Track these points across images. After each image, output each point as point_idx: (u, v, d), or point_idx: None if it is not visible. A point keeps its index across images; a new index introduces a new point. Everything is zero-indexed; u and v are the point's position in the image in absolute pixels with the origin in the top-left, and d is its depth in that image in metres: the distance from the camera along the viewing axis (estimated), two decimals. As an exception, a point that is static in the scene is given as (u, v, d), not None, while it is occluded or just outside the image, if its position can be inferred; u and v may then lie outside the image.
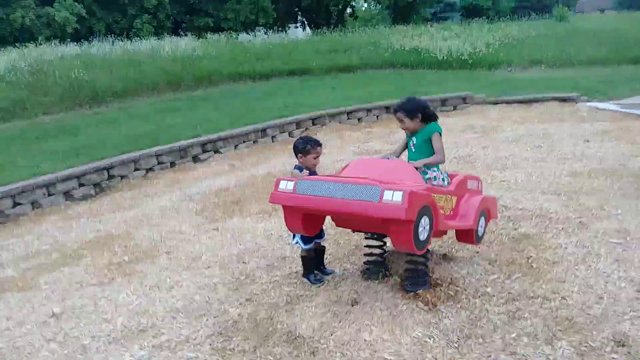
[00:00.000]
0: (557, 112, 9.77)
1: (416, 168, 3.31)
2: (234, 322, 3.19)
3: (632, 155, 6.22)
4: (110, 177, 7.08)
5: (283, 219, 3.24)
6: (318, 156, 3.54)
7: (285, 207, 3.14)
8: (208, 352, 2.89)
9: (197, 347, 2.95)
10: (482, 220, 3.59)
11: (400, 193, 2.55)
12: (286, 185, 2.98)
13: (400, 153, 3.82)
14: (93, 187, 6.83)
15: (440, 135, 3.59)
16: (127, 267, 4.25)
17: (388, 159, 3.49)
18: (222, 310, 3.35)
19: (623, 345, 2.57)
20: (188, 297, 3.58)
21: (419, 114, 3.57)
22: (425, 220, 2.76)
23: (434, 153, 3.55)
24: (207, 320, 3.24)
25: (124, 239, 4.92)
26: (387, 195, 2.58)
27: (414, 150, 3.65)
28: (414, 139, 3.65)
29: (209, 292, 3.63)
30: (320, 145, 3.56)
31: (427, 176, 3.41)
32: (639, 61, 15.85)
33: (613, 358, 2.49)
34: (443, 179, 3.50)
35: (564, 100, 10.50)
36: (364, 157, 3.45)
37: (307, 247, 3.54)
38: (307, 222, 3.13)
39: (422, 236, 2.77)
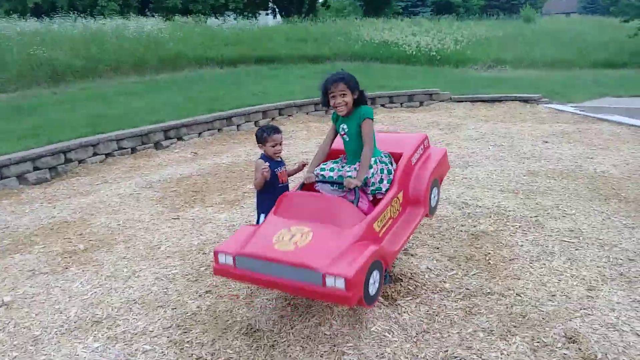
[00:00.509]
0: (519, 112, 10.01)
1: (355, 186, 3.04)
2: (192, 314, 3.15)
3: (588, 157, 6.43)
4: (68, 160, 6.84)
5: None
6: (276, 144, 3.43)
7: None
8: (165, 345, 2.84)
9: (154, 339, 2.90)
10: (435, 191, 3.57)
11: (342, 281, 2.44)
12: (225, 259, 2.80)
13: (327, 150, 3.44)
14: (49, 170, 6.58)
15: (372, 121, 3.20)
16: (83, 255, 4.12)
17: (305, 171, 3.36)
18: (180, 302, 3.29)
19: (574, 342, 2.66)
20: (145, 288, 3.50)
21: (358, 90, 3.19)
22: (374, 276, 2.68)
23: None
24: (164, 312, 3.18)
25: (79, 226, 4.77)
26: (330, 281, 2.47)
27: (347, 139, 3.26)
28: (344, 126, 3.24)
29: (167, 283, 3.56)
30: (277, 132, 3.45)
31: (372, 188, 3.18)
32: (599, 65, 16.41)
33: (564, 354, 2.57)
34: (382, 170, 3.22)
35: (525, 101, 10.77)
36: (293, 192, 3.24)
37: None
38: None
39: (373, 291, 2.69)
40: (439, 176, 3.71)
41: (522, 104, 10.62)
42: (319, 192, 3.29)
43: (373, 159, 3.20)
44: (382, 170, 3.22)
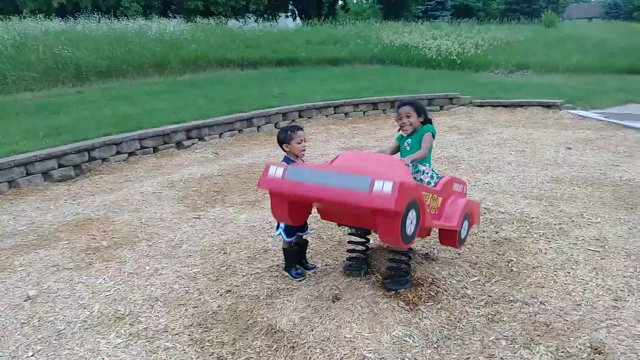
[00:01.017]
0: (541, 117, 9.89)
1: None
2: (213, 313, 3.16)
3: (613, 164, 6.33)
4: (91, 159, 6.94)
5: (269, 208, 3.19)
6: (302, 140, 3.48)
7: (272, 194, 3.07)
8: (186, 343, 2.86)
9: (175, 337, 2.92)
10: (466, 223, 3.60)
11: (391, 184, 2.53)
12: (275, 171, 2.92)
13: (391, 154, 3.76)
14: (73, 168, 6.69)
15: (434, 136, 3.62)
16: (106, 252, 4.18)
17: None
18: (201, 301, 3.31)
19: (600, 353, 2.61)
20: (167, 286, 3.53)
21: (424, 115, 3.65)
22: (412, 214, 2.75)
23: None
24: (186, 310, 3.21)
25: (103, 224, 4.84)
26: (378, 185, 2.55)
27: (408, 149, 3.63)
28: (409, 140, 3.65)
29: (188, 281, 3.59)
30: (300, 129, 3.51)
31: (417, 169, 3.49)
32: (623, 71, 16.15)
33: (589, 365, 2.53)
34: (432, 176, 3.53)
35: (548, 106, 10.64)
36: (353, 151, 3.39)
37: (290, 240, 3.52)
38: (293, 211, 3.08)
39: (409, 230, 2.76)
40: (471, 215, 3.72)
41: (544, 110, 10.50)
42: None
43: (429, 167, 3.59)
44: (431, 176, 3.54)
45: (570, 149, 7.24)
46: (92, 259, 4.04)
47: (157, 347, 2.83)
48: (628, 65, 16.67)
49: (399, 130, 3.72)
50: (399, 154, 3.70)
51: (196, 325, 3.03)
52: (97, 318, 3.16)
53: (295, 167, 2.91)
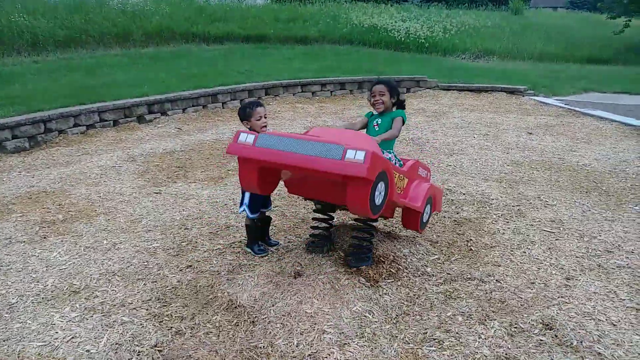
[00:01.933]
0: (505, 103, 10.07)
1: None
2: (172, 287, 3.12)
3: (571, 150, 6.51)
4: (48, 130, 6.69)
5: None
6: (262, 117, 3.40)
7: (241, 162, 3.01)
8: (144, 317, 2.80)
9: (133, 311, 2.86)
10: (428, 207, 3.65)
11: (363, 152, 2.55)
12: (246, 138, 2.87)
13: (359, 129, 3.72)
14: (28, 139, 6.44)
15: (404, 122, 3.62)
16: (61, 226, 4.05)
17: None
18: (160, 276, 3.25)
19: (550, 329, 2.70)
20: (125, 260, 3.45)
21: (397, 96, 3.67)
22: (381, 185, 2.78)
23: None
24: (144, 284, 3.15)
25: (59, 197, 4.68)
26: (350, 154, 2.57)
27: (377, 129, 3.63)
28: (379, 119, 3.64)
29: (148, 256, 3.52)
30: (260, 105, 3.43)
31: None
32: (584, 60, 16.57)
33: (540, 340, 2.61)
34: (396, 163, 3.53)
35: (511, 92, 10.84)
36: (323, 127, 3.38)
37: (254, 216, 3.49)
38: (262, 180, 3.03)
39: (378, 200, 2.78)
40: (434, 199, 3.78)
41: (508, 95, 10.69)
42: None
43: (393, 154, 3.53)
44: (395, 163, 3.48)
45: (531, 134, 7.41)
46: (47, 233, 3.92)
47: (114, 321, 2.77)
48: (590, 54, 17.11)
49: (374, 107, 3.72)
50: (365, 130, 3.69)
51: (155, 299, 2.98)
52: (51, 292, 3.07)
53: (266, 135, 2.86)
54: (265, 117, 3.41)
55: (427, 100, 10.26)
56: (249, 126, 3.42)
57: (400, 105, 3.74)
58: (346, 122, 3.74)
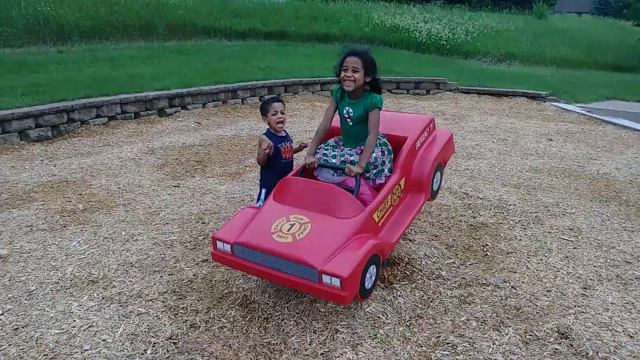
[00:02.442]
0: (525, 108, 9.96)
1: (357, 174, 3.02)
2: (189, 281, 3.15)
3: (591, 158, 6.42)
4: (70, 120, 6.80)
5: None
6: (277, 112, 3.37)
7: None
8: (160, 309, 2.84)
9: (149, 302, 2.90)
10: (437, 175, 3.57)
11: (338, 281, 2.45)
12: (223, 247, 2.81)
13: (327, 127, 3.32)
14: (50, 129, 6.54)
15: (380, 110, 3.12)
16: (81, 215, 4.12)
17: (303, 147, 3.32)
18: (177, 269, 3.29)
19: (566, 338, 2.67)
20: (143, 252, 3.50)
21: (372, 74, 3.09)
22: (371, 271, 2.71)
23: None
24: (161, 277, 3.19)
25: (79, 186, 4.76)
26: (326, 279, 2.49)
27: (351, 123, 3.16)
28: (350, 110, 3.14)
29: (165, 249, 3.56)
30: (278, 101, 3.42)
31: (375, 171, 3.18)
32: (608, 67, 16.31)
33: (556, 349, 2.59)
34: (389, 152, 3.27)
35: (533, 97, 10.72)
36: (292, 177, 3.15)
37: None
38: None
39: (369, 284, 2.72)
40: (443, 160, 3.70)
41: (528, 100, 10.57)
42: (316, 177, 3.27)
43: (380, 147, 3.24)
44: (383, 153, 3.23)
45: (551, 140, 7.32)
46: (67, 222, 3.98)
47: (130, 311, 2.81)
48: (613, 61, 16.86)
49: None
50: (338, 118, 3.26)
51: (171, 292, 3.02)
52: (70, 280, 3.12)
53: (241, 247, 2.74)
54: (282, 113, 3.42)
55: (447, 102, 10.20)
56: (267, 121, 3.44)
57: (375, 86, 3.15)
58: (322, 122, 3.32)
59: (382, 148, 3.24)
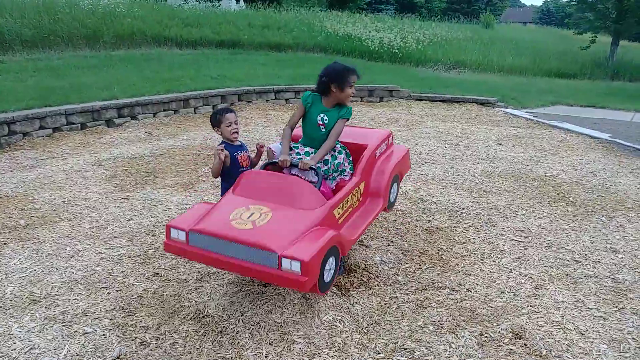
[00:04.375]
0: (476, 114, 10.22)
1: (311, 167, 3.05)
2: (138, 296, 3.02)
3: (539, 161, 6.63)
4: (11, 132, 6.47)
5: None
6: (232, 123, 3.33)
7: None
8: (107, 327, 2.70)
9: (96, 321, 2.76)
10: (395, 187, 3.60)
11: (298, 264, 2.39)
12: (177, 235, 2.70)
13: (296, 126, 3.39)
14: (-10, 141, 6.22)
15: (346, 121, 3.31)
16: (23, 232, 3.90)
17: (274, 151, 3.28)
18: (126, 284, 3.15)
19: (520, 338, 2.71)
20: (89, 268, 3.33)
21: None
22: (330, 262, 2.66)
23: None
24: (108, 293, 3.04)
25: (21, 201, 4.51)
26: (286, 264, 2.42)
27: (323, 130, 3.25)
28: (325, 116, 3.24)
29: (113, 264, 3.41)
30: (231, 111, 3.38)
31: (331, 167, 3.22)
32: (552, 74, 17.00)
33: (510, 350, 2.61)
34: (349, 160, 3.36)
35: (482, 103, 11.02)
36: (253, 170, 3.17)
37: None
38: None
39: (328, 278, 2.67)
40: (400, 173, 3.74)
41: (478, 107, 10.86)
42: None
43: (339, 146, 3.30)
44: (343, 158, 3.32)
45: (500, 144, 7.52)
46: (8, 238, 3.76)
47: (75, 331, 2.66)
48: (557, 69, 17.57)
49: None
50: (303, 121, 3.34)
51: (119, 309, 2.88)
52: (10, 300, 2.94)
53: (197, 234, 2.64)
54: (236, 124, 3.36)
55: (400, 110, 10.34)
56: (219, 132, 3.36)
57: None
58: (289, 123, 3.37)
59: (344, 152, 3.34)
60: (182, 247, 2.68)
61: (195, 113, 8.81)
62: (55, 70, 9.90)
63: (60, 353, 2.47)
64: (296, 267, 2.40)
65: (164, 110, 8.43)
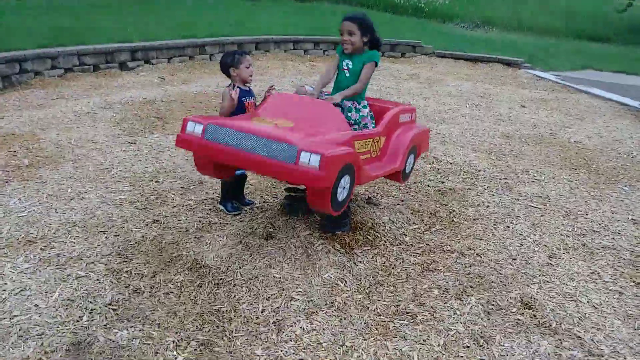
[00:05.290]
0: (500, 74, 9.82)
1: (336, 104, 3.03)
2: (136, 243, 2.93)
3: (563, 126, 6.34)
4: (23, 71, 6.35)
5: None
6: (250, 65, 3.24)
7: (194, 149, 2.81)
8: (101, 272, 2.63)
9: (90, 265, 2.68)
10: (411, 157, 3.45)
11: (318, 157, 2.30)
12: (194, 128, 2.63)
13: (328, 81, 3.36)
14: (1, 79, 6.11)
15: (376, 66, 3.26)
16: (26, 171, 3.82)
17: (308, 91, 3.21)
18: (124, 230, 3.07)
19: (529, 308, 2.58)
20: (89, 211, 3.25)
21: (370, 34, 3.20)
22: (345, 180, 2.57)
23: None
24: (106, 238, 2.96)
25: (27, 140, 4.43)
26: (304, 158, 2.33)
27: (348, 75, 3.25)
28: (349, 62, 3.24)
29: (113, 208, 3.32)
30: (247, 53, 3.31)
31: (350, 109, 3.21)
32: (584, 37, 16.24)
33: (518, 319, 2.49)
34: (372, 117, 3.32)
35: (508, 64, 10.58)
36: (284, 93, 3.13)
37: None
38: (219, 166, 2.86)
39: (341, 197, 2.60)
40: (419, 147, 3.57)
41: (504, 67, 10.44)
42: None
43: (364, 103, 3.27)
44: (369, 116, 3.29)
45: (524, 107, 7.22)
46: (10, 177, 3.69)
47: (68, 275, 2.59)
48: (590, 31, 16.74)
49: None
50: (336, 74, 3.34)
51: (115, 254, 2.81)
52: (6, 240, 2.87)
53: (217, 127, 2.60)
54: (252, 67, 3.24)
55: (422, 66, 9.98)
56: (235, 74, 3.20)
57: (375, 43, 3.25)
58: (322, 73, 3.37)
59: (368, 110, 3.30)
60: (196, 140, 2.64)
61: (210, 60, 8.58)
62: (70, 9, 9.69)
63: (50, 296, 2.41)
64: (315, 161, 2.32)
65: (179, 56, 8.23)
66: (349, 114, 3.19)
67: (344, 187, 2.59)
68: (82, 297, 2.43)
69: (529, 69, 10.37)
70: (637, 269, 3.05)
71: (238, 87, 3.19)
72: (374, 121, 3.33)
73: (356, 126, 3.20)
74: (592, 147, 5.51)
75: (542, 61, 11.05)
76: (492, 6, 17.31)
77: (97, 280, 2.57)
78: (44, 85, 6.31)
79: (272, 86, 3.37)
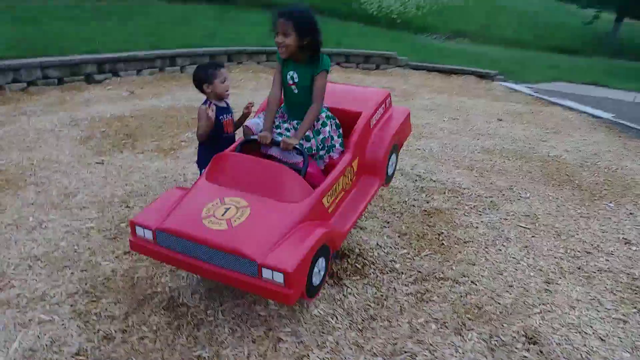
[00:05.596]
0: (474, 87, 9.83)
1: (294, 147, 2.60)
2: (105, 278, 2.68)
3: (541, 140, 6.31)
4: (-20, 84, 6.00)
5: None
6: (226, 79, 3.01)
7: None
8: (66, 315, 2.37)
9: (54, 307, 2.42)
10: (393, 157, 3.24)
11: (281, 275, 2.07)
12: (144, 233, 2.34)
13: (278, 102, 2.81)
14: (-44, 93, 5.74)
15: (327, 74, 2.69)
16: (-18, 196, 3.51)
17: (255, 131, 2.82)
18: (92, 263, 2.81)
19: (535, 343, 2.42)
20: (52, 243, 2.98)
21: (310, 37, 2.59)
22: (320, 263, 2.34)
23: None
24: (71, 273, 2.70)
25: (-16, 161, 4.11)
26: (267, 274, 2.10)
27: (296, 91, 2.72)
28: (294, 74, 2.69)
29: (79, 238, 3.05)
30: (222, 66, 3.03)
31: (313, 145, 2.76)
32: (554, 49, 16.56)
33: (524, 357, 2.33)
34: (337, 126, 2.89)
35: (481, 76, 10.60)
36: (229, 152, 2.69)
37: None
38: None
39: (316, 281, 2.35)
40: (399, 141, 3.35)
41: (477, 79, 10.46)
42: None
43: (324, 115, 2.80)
44: (332, 127, 2.85)
45: (501, 120, 7.18)
46: (-37, 204, 3.38)
47: (30, 319, 2.33)
48: (559, 44, 17.11)
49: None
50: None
51: (82, 293, 2.55)
52: (-42, 278, 2.58)
53: (165, 234, 2.28)
54: (228, 80, 3.02)
55: (396, 79, 9.91)
56: (209, 90, 2.98)
57: (316, 50, 2.64)
58: (272, 92, 2.82)
59: (330, 122, 2.85)
60: (149, 247, 2.33)
61: (182, 72, 8.31)
62: (33, 19, 9.27)
63: (10, 346, 2.14)
64: (279, 278, 2.07)
65: (149, 68, 7.93)
66: (308, 144, 2.74)
67: (320, 271, 2.36)
68: (46, 346, 2.17)
69: (502, 81, 10.43)
70: (636, 293, 2.95)
71: (214, 104, 2.98)
72: (340, 130, 2.92)
73: (321, 151, 2.81)
74: (572, 162, 5.47)
75: (514, 73, 11.13)
76: (464, 18, 17.52)
77: (63, 324, 2.31)
78: (4, 100, 5.96)
79: (251, 102, 3.18)
